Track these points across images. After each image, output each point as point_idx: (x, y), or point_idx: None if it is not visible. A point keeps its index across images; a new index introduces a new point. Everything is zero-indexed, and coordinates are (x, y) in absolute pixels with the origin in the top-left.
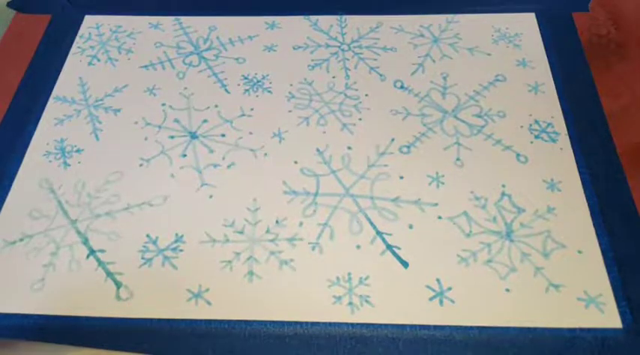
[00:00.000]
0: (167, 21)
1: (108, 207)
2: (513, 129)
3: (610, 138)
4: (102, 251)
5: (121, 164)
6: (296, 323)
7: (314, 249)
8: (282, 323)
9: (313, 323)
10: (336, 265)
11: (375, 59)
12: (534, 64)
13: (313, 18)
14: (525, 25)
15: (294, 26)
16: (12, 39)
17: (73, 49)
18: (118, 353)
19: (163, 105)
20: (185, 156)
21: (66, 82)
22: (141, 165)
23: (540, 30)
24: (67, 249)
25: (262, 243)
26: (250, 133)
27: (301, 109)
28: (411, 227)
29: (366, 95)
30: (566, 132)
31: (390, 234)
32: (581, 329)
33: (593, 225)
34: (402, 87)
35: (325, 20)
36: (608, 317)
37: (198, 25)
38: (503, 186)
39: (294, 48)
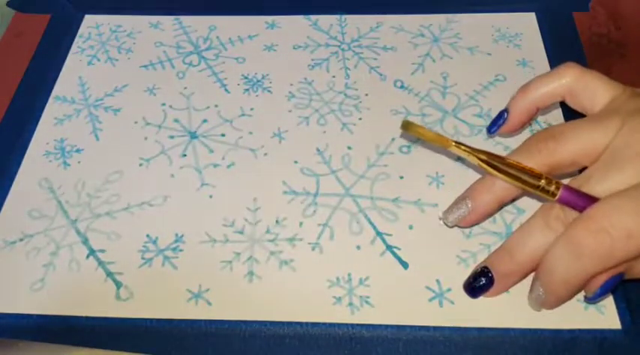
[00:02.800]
0: (167, 20)
1: (108, 207)
2: None
3: None
4: (102, 251)
5: (120, 164)
6: (296, 323)
7: (314, 249)
8: (282, 324)
9: (313, 324)
10: (336, 265)
11: (375, 59)
12: (534, 63)
13: (313, 17)
14: (525, 24)
15: (294, 26)
16: (11, 38)
17: (73, 48)
18: (118, 353)
19: (163, 104)
20: (185, 155)
21: (66, 82)
22: (141, 165)
23: (540, 30)
24: (66, 248)
25: (262, 243)
26: (250, 133)
27: (301, 109)
28: (411, 227)
29: (366, 95)
30: None
31: (390, 235)
32: (581, 330)
33: None
34: (402, 86)
35: (325, 20)
36: (608, 318)
37: (198, 24)
38: None
39: (294, 47)
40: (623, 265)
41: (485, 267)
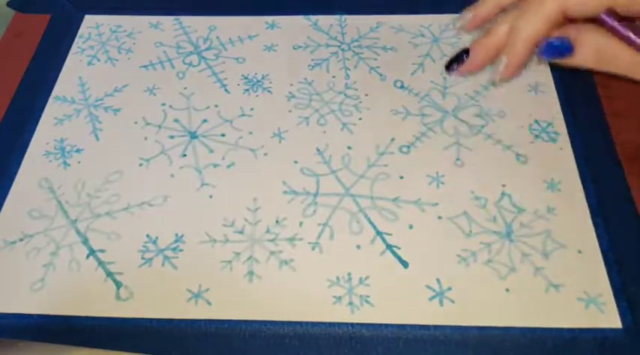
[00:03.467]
0: (167, 21)
1: (108, 207)
2: (513, 129)
3: (610, 138)
4: (102, 251)
5: (120, 164)
6: (296, 323)
7: (314, 249)
8: (282, 323)
9: (313, 323)
10: (336, 265)
11: (375, 59)
12: (534, 64)
13: (313, 18)
14: None
15: (294, 26)
16: (11, 39)
17: (73, 48)
18: (118, 353)
19: (163, 105)
20: (185, 155)
21: (66, 82)
22: (141, 165)
23: None
24: (66, 248)
25: (262, 243)
26: (250, 133)
27: (301, 109)
28: (411, 227)
29: (366, 95)
30: (566, 132)
31: (390, 234)
32: (581, 330)
33: (593, 225)
34: (402, 87)
35: (325, 20)
36: (608, 317)
37: (198, 24)
38: (503, 185)
39: (294, 48)
40: (572, 31)
41: (466, 48)
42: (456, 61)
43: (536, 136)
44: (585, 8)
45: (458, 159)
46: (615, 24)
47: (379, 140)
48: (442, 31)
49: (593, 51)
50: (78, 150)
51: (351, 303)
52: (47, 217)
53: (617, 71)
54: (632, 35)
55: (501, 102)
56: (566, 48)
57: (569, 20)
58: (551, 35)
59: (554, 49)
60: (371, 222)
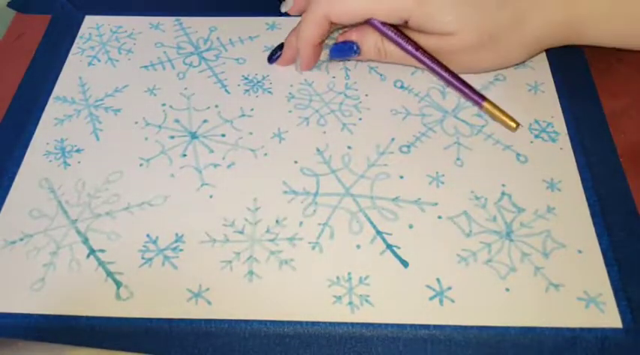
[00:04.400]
0: (167, 21)
1: (108, 207)
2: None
3: (610, 138)
4: (102, 251)
5: (121, 164)
6: (296, 322)
7: (314, 249)
8: (282, 323)
9: (313, 323)
10: (336, 265)
11: None
12: (534, 63)
13: None
14: None
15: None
16: (12, 39)
17: (73, 49)
18: (118, 352)
19: (164, 105)
20: (185, 156)
21: (66, 82)
22: (141, 165)
23: None
24: (67, 248)
25: (262, 243)
26: (250, 133)
27: (301, 109)
28: (411, 227)
29: (366, 95)
30: (566, 132)
31: (390, 234)
32: (581, 329)
33: (593, 224)
34: (402, 87)
35: None
36: (608, 316)
37: (199, 25)
38: (504, 185)
39: None
40: (356, 34)
41: (282, 43)
42: (274, 54)
43: (536, 136)
44: (346, 17)
45: (458, 159)
46: (380, 26)
47: (379, 140)
48: None
49: (374, 49)
50: (78, 150)
51: (351, 303)
52: (47, 217)
53: (394, 61)
54: (391, 34)
55: (501, 102)
56: (349, 49)
57: (353, 25)
58: (339, 39)
59: (339, 51)
60: (371, 222)
